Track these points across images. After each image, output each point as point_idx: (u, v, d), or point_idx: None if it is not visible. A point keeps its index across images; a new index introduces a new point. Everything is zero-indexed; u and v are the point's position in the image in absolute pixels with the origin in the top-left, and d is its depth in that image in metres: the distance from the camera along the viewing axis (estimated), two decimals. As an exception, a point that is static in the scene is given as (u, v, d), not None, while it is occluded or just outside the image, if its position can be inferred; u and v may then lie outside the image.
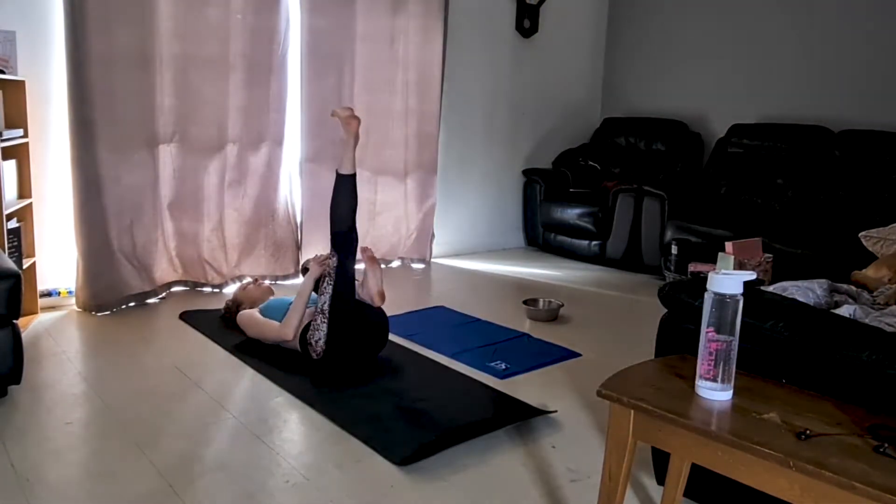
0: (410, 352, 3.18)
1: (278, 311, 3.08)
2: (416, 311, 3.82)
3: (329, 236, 2.96)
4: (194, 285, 4.07)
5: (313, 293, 2.99)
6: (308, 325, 2.91)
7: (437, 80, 4.83)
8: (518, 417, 2.50)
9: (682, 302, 1.91)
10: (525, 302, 3.87)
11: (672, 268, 4.33)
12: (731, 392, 1.50)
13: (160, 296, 3.89)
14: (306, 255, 4.39)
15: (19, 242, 3.35)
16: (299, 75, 4.26)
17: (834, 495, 1.22)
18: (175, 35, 3.74)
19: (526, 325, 3.67)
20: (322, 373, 2.85)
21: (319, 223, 4.48)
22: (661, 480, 1.96)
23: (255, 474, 2.12)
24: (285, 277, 4.35)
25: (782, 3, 4.88)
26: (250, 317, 3.17)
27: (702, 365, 1.51)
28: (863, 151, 4.31)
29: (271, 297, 3.36)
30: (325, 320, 2.83)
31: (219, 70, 3.91)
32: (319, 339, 2.83)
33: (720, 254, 3.47)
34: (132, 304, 3.75)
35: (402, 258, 4.95)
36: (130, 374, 2.85)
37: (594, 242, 5.10)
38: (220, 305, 3.79)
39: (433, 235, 5.10)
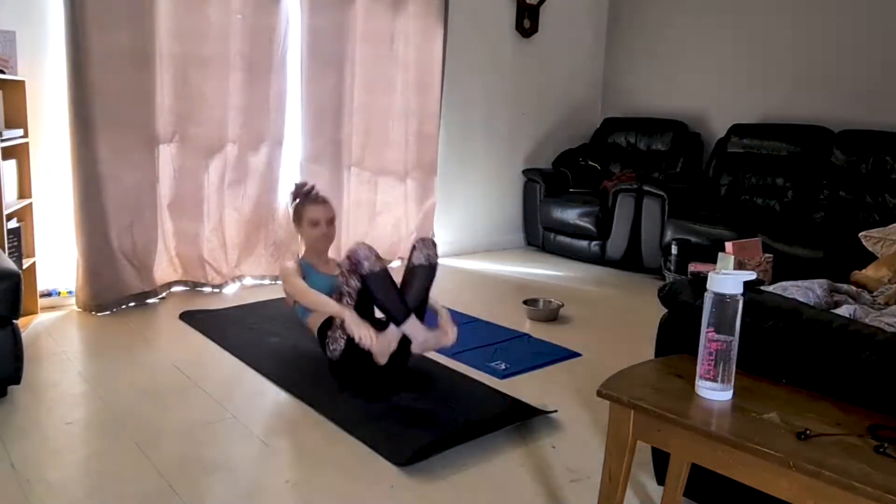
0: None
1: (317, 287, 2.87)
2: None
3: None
4: (194, 285, 4.07)
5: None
6: (329, 322, 2.77)
7: (437, 80, 4.83)
8: (518, 418, 2.50)
9: (682, 302, 1.91)
10: (525, 302, 3.87)
11: (672, 268, 4.33)
12: (731, 392, 1.50)
13: (160, 296, 3.89)
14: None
15: (19, 242, 3.35)
16: (299, 75, 4.25)
17: (834, 495, 1.22)
18: (175, 35, 3.74)
19: (526, 325, 3.67)
20: (322, 373, 2.84)
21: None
22: (661, 480, 1.96)
23: (255, 474, 2.12)
24: (285, 277, 4.35)
25: (782, 3, 4.88)
26: (294, 280, 2.85)
27: (702, 365, 1.51)
28: (863, 151, 4.31)
29: (319, 271, 3.00)
30: (344, 337, 2.67)
31: (219, 70, 3.91)
32: (336, 349, 2.71)
33: (720, 254, 3.47)
34: (132, 304, 3.74)
35: (402, 258, 4.95)
36: (130, 374, 2.85)
37: (594, 242, 5.10)
38: (221, 305, 3.81)
39: (433, 235, 5.10)
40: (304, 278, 2.88)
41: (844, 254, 3.40)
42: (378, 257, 2.72)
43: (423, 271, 2.81)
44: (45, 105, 3.54)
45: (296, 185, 3.15)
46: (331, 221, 3.06)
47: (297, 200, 3.07)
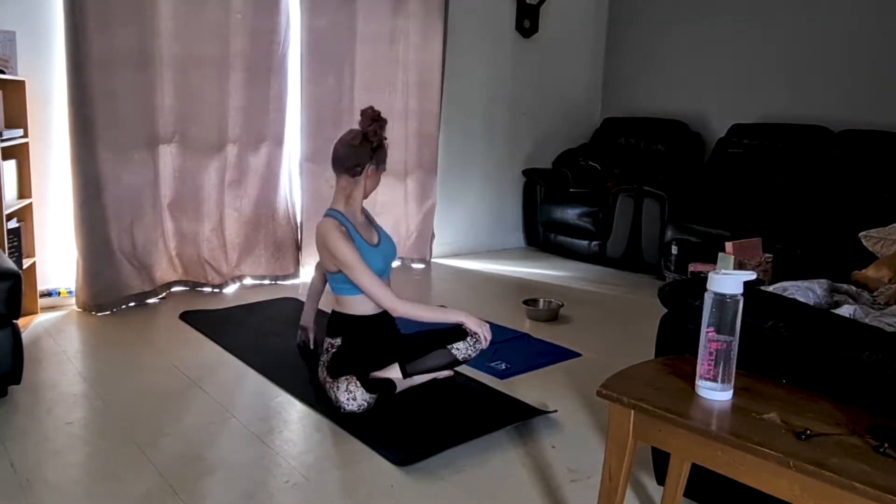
0: (410, 352, 3.17)
1: (374, 264, 2.61)
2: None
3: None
4: (194, 285, 4.07)
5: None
6: (344, 368, 2.59)
7: (437, 80, 4.83)
8: (518, 417, 2.50)
9: (682, 302, 1.91)
10: (525, 302, 3.87)
11: (672, 268, 4.33)
12: (731, 392, 1.50)
13: (160, 296, 3.89)
14: (306, 254, 4.39)
15: (19, 242, 3.35)
16: (299, 75, 4.26)
17: (834, 495, 1.22)
18: (175, 35, 3.74)
19: (526, 325, 3.67)
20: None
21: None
22: (661, 480, 1.96)
23: (255, 474, 2.12)
24: (285, 277, 4.35)
25: (782, 3, 4.88)
26: (354, 257, 2.54)
27: (702, 365, 1.51)
28: (863, 151, 4.31)
29: (368, 235, 2.71)
30: (359, 389, 2.50)
31: (219, 70, 3.91)
32: (351, 405, 2.49)
33: (720, 254, 3.47)
34: (132, 304, 3.74)
35: (402, 258, 4.95)
36: (130, 374, 2.85)
37: (594, 242, 5.10)
38: (221, 305, 3.80)
39: (433, 235, 5.09)
40: (354, 242, 2.60)
41: (844, 254, 3.39)
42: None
43: (444, 359, 2.62)
44: (45, 105, 3.54)
45: (373, 122, 2.59)
46: None
47: (372, 149, 2.62)
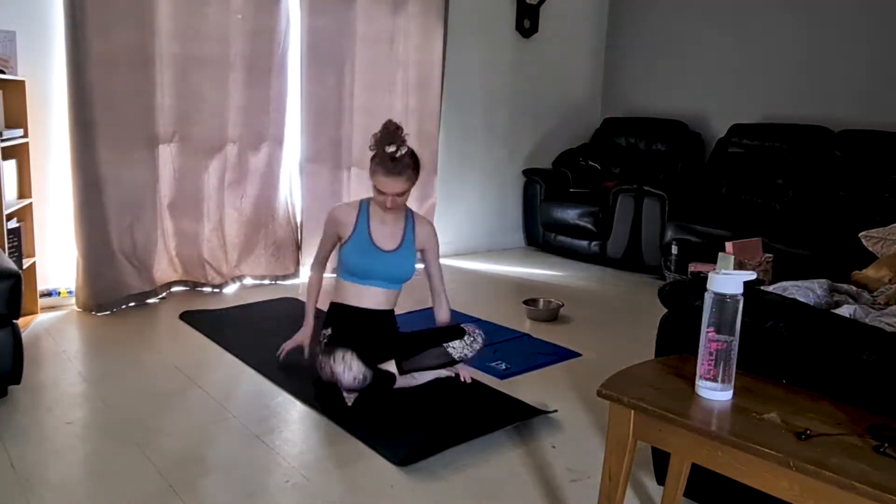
0: (410, 352, 3.17)
1: (348, 258, 2.74)
2: (416, 310, 3.82)
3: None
4: (194, 285, 4.07)
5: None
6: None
7: (437, 80, 4.83)
8: (518, 417, 2.50)
9: (682, 302, 1.91)
10: (525, 302, 3.87)
11: (672, 268, 4.33)
12: (731, 392, 1.50)
13: (160, 296, 3.89)
14: (306, 254, 4.39)
15: (19, 242, 3.35)
16: (299, 75, 4.26)
17: (834, 495, 1.22)
18: (175, 35, 3.74)
19: (526, 325, 3.67)
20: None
21: (319, 223, 4.48)
22: (661, 480, 1.96)
23: (255, 474, 2.12)
24: (285, 277, 4.35)
25: (782, 3, 4.89)
26: (324, 236, 2.82)
27: (702, 365, 1.51)
28: (863, 151, 4.31)
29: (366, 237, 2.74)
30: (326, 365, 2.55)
31: (219, 70, 3.91)
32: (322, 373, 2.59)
33: (720, 254, 3.47)
34: (132, 304, 3.74)
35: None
36: (130, 374, 2.85)
37: (594, 242, 5.10)
38: (221, 305, 3.80)
39: (433, 235, 5.09)
40: (353, 229, 2.70)
41: (844, 254, 3.40)
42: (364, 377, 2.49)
43: (440, 357, 2.67)
44: (45, 105, 3.54)
45: (382, 131, 2.63)
46: (401, 194, 2.65)
47: (373, 153, 2.65)
